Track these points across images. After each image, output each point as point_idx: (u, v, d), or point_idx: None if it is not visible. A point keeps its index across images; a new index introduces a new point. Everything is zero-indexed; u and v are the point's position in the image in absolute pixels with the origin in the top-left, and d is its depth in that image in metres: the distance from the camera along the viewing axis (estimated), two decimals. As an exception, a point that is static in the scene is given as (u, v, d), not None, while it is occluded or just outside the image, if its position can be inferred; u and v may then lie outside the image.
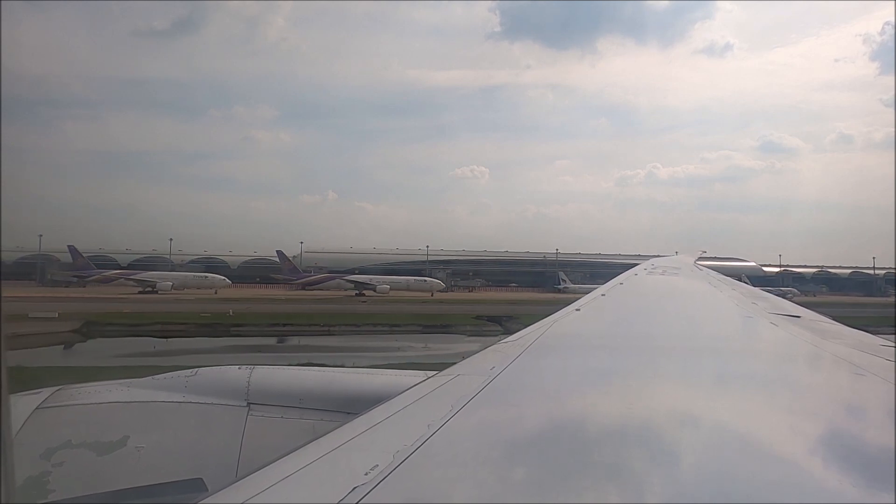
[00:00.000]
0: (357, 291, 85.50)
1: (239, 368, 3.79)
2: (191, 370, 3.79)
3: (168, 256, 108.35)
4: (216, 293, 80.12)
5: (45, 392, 3.35)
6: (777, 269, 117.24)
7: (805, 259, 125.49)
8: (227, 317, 53.10)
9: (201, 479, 3.11)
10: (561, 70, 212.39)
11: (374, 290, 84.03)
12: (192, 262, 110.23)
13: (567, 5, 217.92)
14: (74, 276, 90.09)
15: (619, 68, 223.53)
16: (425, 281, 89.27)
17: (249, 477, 1.57)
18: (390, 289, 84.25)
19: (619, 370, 3.12)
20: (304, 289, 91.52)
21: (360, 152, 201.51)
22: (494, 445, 1.89)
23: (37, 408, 3.24)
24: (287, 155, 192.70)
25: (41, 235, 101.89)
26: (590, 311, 5.54)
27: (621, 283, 8.35)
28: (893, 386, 2.77)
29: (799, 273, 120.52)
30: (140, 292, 79.69)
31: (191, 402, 3.52)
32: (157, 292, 79.66)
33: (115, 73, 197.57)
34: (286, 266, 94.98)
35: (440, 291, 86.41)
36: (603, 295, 6.91)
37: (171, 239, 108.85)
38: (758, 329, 4.96)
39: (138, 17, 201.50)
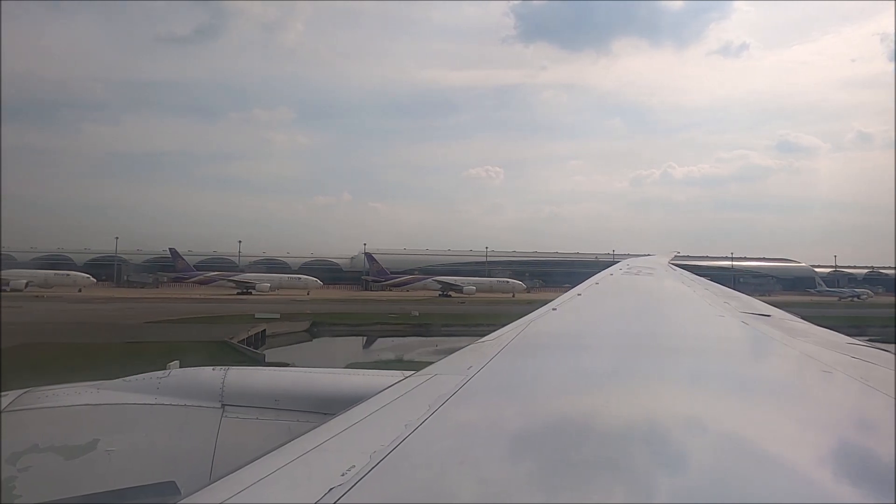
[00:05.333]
0: (442, 292, 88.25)
1: (213, 369, 3.73)
2: (163, 371, 3.75)
3: (236, 258, 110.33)
4: (308, 294, 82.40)
5: (11, 395, 3.29)
6: (828, 270, 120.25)
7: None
8: (415, 317, 55.14)
9: (174, 481, 3.09)
10: (576, 71, 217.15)
11: (460, 292, 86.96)
12: (256, 262, 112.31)
13: (582, 7, 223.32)
14: (176, 278, 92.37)
15: (633, 69, 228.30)
16: (507, 282, 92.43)
17: (223, 479, 1.54)
18: (476, 290, 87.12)
19: (596, 369, 3.17)
20: (367, 288, 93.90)
21: (375, 153, 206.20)
22: (472, 445, 1.88)
23: (2, 411, 3.15)
24: (303, 156, 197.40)
25: (118, 238, 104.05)
26: (566, 310, 5.61)
27: (597, 283, 8.38)
28: (858, 382, 2.84)
29: (851, 274, 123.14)
30: (239, 293, 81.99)
31: (163, 404, 3.45)
32: (251, 293, 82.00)
33: (137, 78, 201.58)
34: (374, 268, 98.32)
35: (521, 292, 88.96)
36: (579, 294, 6.92)
37: (240, 241, 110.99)
38: (729, 328, 5.05)
39: (161, 23, 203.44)
